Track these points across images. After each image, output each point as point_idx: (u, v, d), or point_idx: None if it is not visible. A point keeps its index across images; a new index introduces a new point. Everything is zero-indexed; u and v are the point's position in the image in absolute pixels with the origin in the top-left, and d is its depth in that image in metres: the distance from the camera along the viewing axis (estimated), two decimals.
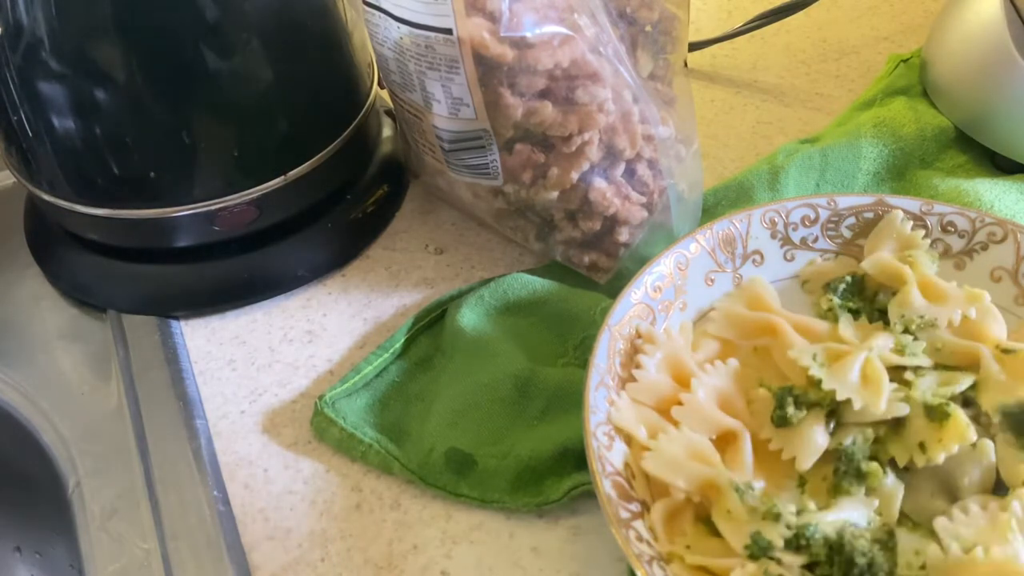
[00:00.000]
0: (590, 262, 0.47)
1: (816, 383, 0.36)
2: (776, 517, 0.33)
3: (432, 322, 0.47)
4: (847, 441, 0.35)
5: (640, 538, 0.33)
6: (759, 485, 0.35)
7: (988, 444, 0.35)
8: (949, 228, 0.43)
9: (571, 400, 0.41)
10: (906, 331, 0.39)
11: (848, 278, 0.42)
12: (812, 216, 0.44)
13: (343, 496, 0.40)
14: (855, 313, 0.41)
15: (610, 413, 0.36)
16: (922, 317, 0.39)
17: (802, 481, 0.36)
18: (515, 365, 0.42)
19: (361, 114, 0.51)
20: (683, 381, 0.38)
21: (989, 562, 0.30)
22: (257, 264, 0.49)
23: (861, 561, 0.32)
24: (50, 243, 0.52)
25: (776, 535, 0.32)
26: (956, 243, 0.42)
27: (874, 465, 0.35)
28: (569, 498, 0.38)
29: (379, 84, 0.53)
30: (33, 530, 0.55)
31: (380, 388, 0.44)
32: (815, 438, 0.35)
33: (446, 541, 0.38)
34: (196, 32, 0.41)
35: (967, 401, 0.37)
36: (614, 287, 0.42)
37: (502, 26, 0.39)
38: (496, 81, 0.40)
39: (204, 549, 0.38)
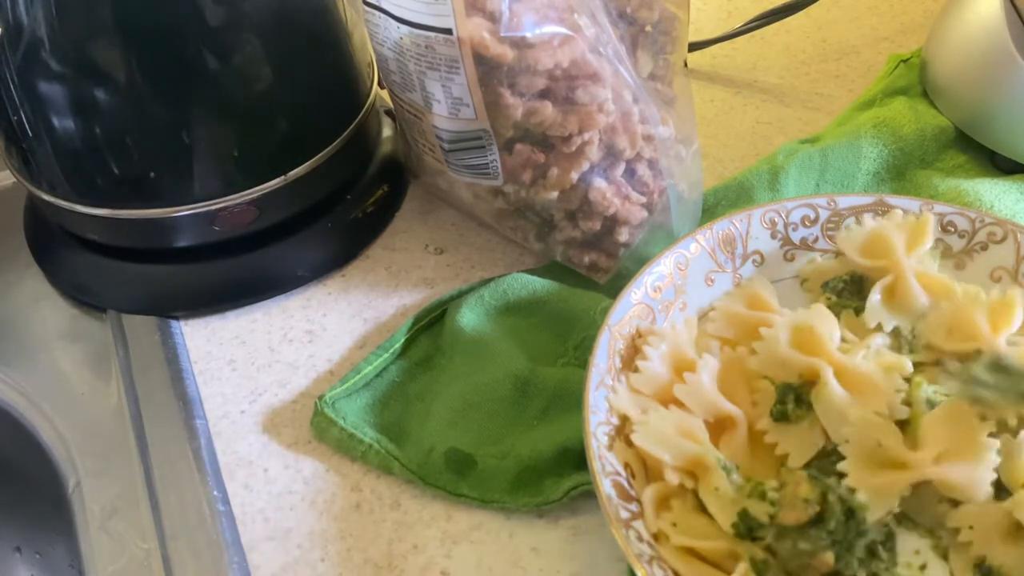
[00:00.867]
0: (590, 262, 0.47)
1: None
2: (762, 495, 0.33)
3: (432, 322, 0.47)
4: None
5: (640, 538, 0.33)
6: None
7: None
8: (949, 228, 0.43)
9: (571, 400, 0.41)
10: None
11: (846, 276, 0.42)
12: (812, 216, 0.44)
13: (343, 496, 0.40)
14: (855, 311, 0.41)
15: (608, 397, 0.36)
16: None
17: (782, 483, 0.36)
18: (515, 365, 0.42)
19: (361, 114, 0.51)
20: (683, 374, 0.38)
21: None
22: (257, 264, 0.49)
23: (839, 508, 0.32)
24: (50, 243, 0.52)
25: (762, 512, 0.33)
26: (956, 243, 0.42)
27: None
28: (569, 498, 0.38)
29: (379, 84, 0.53)
30: (33, 530, 0.55)
31: (380, 388, 0.44)
32: (810, 437, 0.35)
33: (446, 541, 0.38)
34: (196, 32, 0.41)
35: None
36: (614, 287, 0.42)
37: (502, 26, 0.39)
38: (496, 81, 0.40)
39: (204, 549, 0.38)
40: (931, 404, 0.35)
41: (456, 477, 0.40)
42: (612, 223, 0.45)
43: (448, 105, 0.42)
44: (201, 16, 0.41)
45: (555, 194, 0.44)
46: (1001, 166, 0.52)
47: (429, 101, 0.43)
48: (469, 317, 0.45)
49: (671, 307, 0.42)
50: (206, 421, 0.44)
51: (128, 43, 0.41)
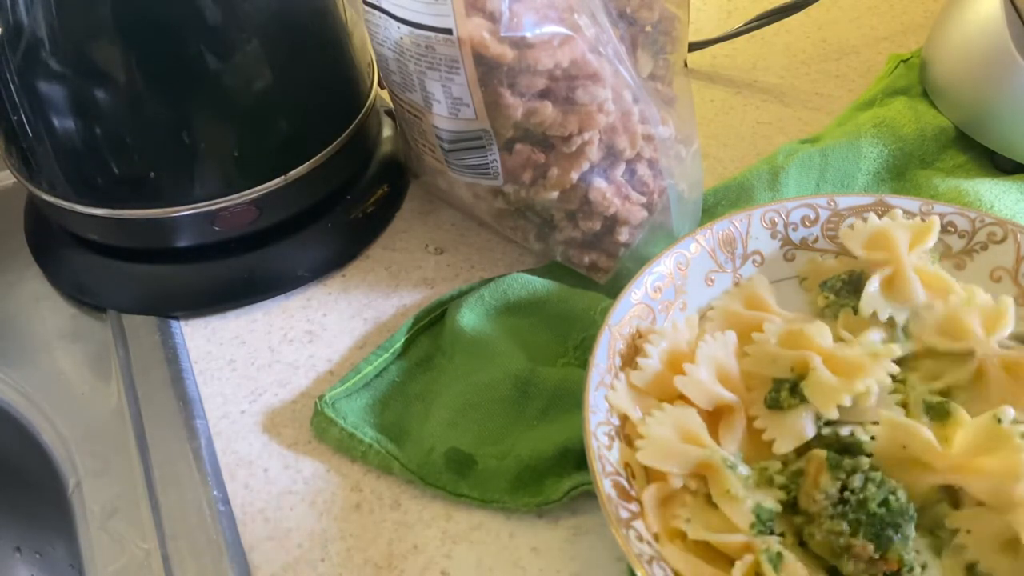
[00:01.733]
0: (590, 262, 0.47)
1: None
2: (769, 481, 0.34)
3: (432, 322, 0.47)
4: (856, 483, 0.33)
5: (640, 538, 0.33)
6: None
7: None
8: (949, 228, 0.43)
9: (571, 400, 0.41)
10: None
11: (845, 275, 0.42)
12: (812, 216, 0.44)
13: (343, 496, 0.40)
14: (853, 310, 0.41)
15: (607, 395, 0.36)
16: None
17: (783, 461, 0.36)
18: (515, 365, 0.42)
19: (361, 114, 0.51)
20: (681, 371, 0.38)
21: None
22: (257, 264, 0.49)
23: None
24: (50, 243, 0.52)
25: (774, 501, 0.33)
26: (956, 243, 0.42)
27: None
28: (569, 498, 0.38)
29: (379, 84, 0.53)
30: (33, 530, 0.55)
31: (380, 388, 0.44)
32: (799, 426, 0.35)
33: (446, 541, 0.38)
34: (196, 32, 0.41)
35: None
36: (614, 287, 0.42)
37: (502, 26, 0.39)
38: (496, 81, 0.40)
39: (204, 549, 0.38)
40: (928, 406, 0.35)
41: (456, 477, 0.40)
42: (612, 223, 0.45)
43: (448, 105, 0.42)
44: (201, 16, 0.41)
45: (555, 194, 0.44)
46: (1001, 166, 0.52)
47: (429, 101, 0.43)
48: (469, 317, 0.45)
49: (671, 307, 0.42)
50: (206, 421, 0.44)
51: (128, 43, 0.41)
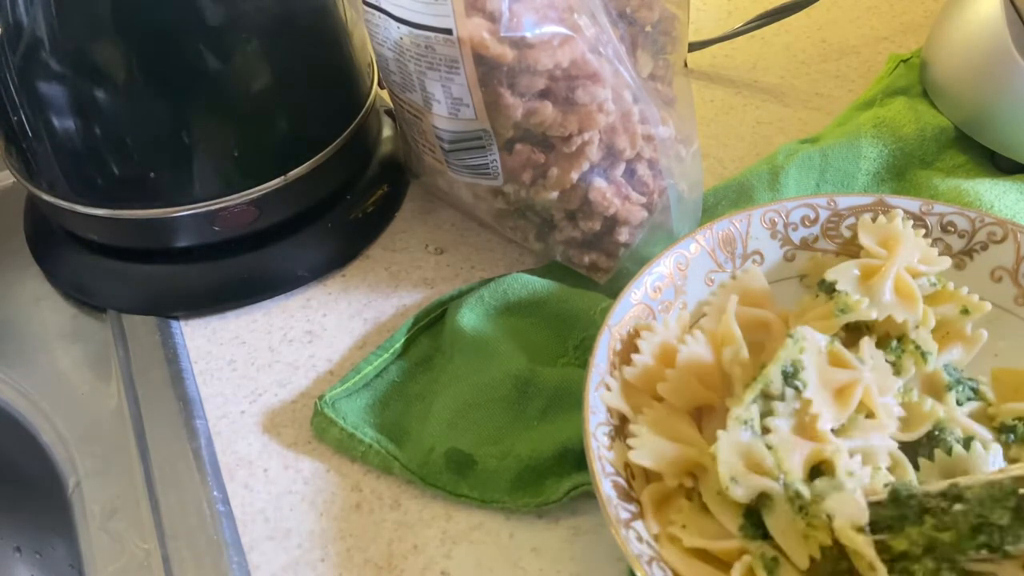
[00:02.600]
0: (590, 262, 0.47)
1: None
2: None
3: (432, 322, 0.47)
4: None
5: (640, 538, 0.33)
6: None
7: (999, 447, 0.35)
8: (949, 228, 0.43)
9: (571, 400, 0.41)
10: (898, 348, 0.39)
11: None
12: (812, 216, 0.44)
13: (343, 496, 0.40)
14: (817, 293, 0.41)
15: (601, 394, 0.36)
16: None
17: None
18: (515, 365, 0.42)
19: (361, 114, 0.51)
20: (673, 365, 0.38)
21: None
22: (257, 264, 0.49)
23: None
24: (50, 243, 0.52)
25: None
26: (956, 243, 0.42)
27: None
28: (569, 498, 0.38)
29: (379, 84, 0.53)
30: (33, 530, 0.55)
31: (380, 388, 0.44)
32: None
33: (446, 541, 0.38)
34: (196, 32, 0.41)
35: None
36: (614, 287, 0.42)
37: (502, 26, 0.39)
38: (496, 81, 0.40)
39: (204, 549, 0.38)
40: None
41: (456, 477, 0.40)
42: (612, 223, 0.45)
43: (448, 105, 0.42)
44: (201, 16, 0.41)
45: (555, 194, 0.44)
46: (1001, 166, 0.52)
47: (429, 101, 0.43)
48: (469, 317, 0.45)
49: (671, 307, 0.41)
50: (206, 421, 0.44)
51: (128, 43, 0.41)
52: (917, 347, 0.38)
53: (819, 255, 0.44)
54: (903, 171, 0.52)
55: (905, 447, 0.35)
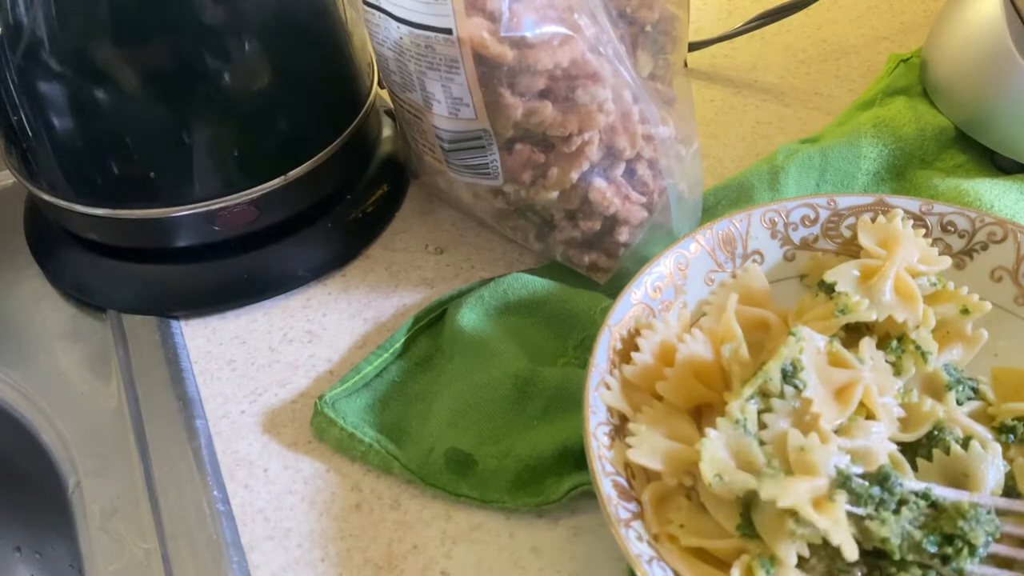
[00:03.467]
0: (590, 262, 0.47)
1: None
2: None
3: (432, 322, 0.47)
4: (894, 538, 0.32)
5: (640, 538, 0.33)
6: None
7: (997, 447, 0.35)
8: (949, 228, 0.43)
9: (571, 400, 0.41)
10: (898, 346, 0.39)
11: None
12: (812, 216, 0.44)
13: (343, 496, 0.40)
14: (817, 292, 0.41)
15: (601, 393, 0.36)
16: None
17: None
18: (515, 365, 0.42)
19: (361, 114, 0.51)
20: (672, 364, 0.38)
21: None
22: (257, 264, 0.49)
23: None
24: (50, 243, 0.52)
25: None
26: (956, 243, 0.42)
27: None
28: (569, 498, 0.38)
29: (379, 84, 0.53)
30: (33, 530, 0.55)
31: (380, 388, 0.44)
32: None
33: (446, 541, 0.38)
34: (196, 32, 0.41)
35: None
36: (614, 287, 0.42)
37: (502, 26, 0.39)
38: (496, 81, 0.40)
39: (204, 549, 0.38)
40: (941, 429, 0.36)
41: (456, 477, 0.40)
42: (612, 223, 0.45)
43: (448, 105, 0.42)
44: (201, 16, 0.41)
45: (555, 194, 0.44)
46: (1001, 166, 0.52)
47: (429, 101, 0.43)
48: (469, 317, 0.45)
49: (671, 307, 0.41)
50: (206, 421, 0.44)
51: (128, 43, 0.41)
52: (917, 347, 0.38)
53: (819, 255, 0.44)
54: (903, 171, 0.52)
55: (905, 447, 0.36)
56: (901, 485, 0.32)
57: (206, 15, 0.41)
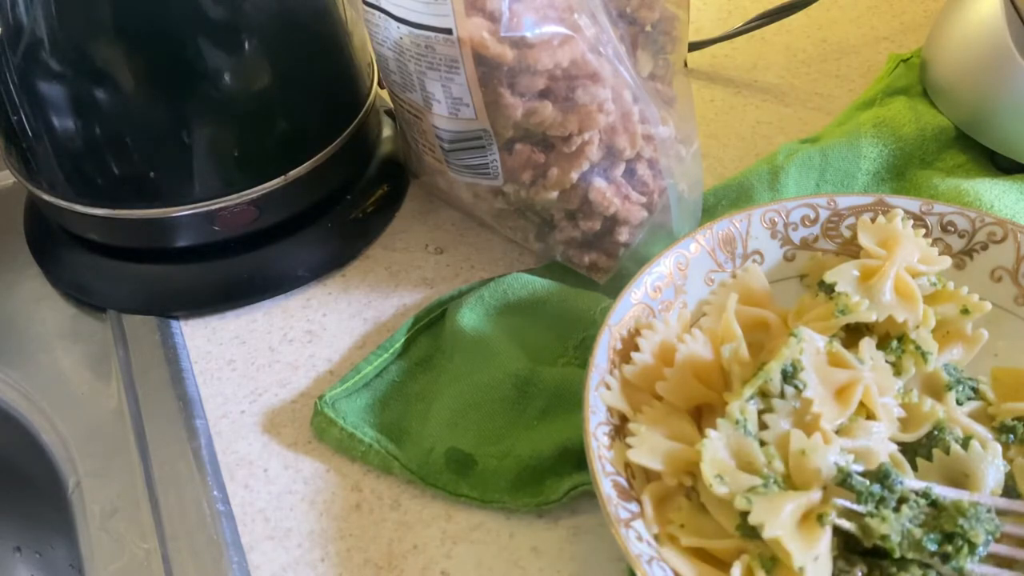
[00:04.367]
0: (590, 262, 0.47)
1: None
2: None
3: (432, 322, 0.47)
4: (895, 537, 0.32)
5: (640, 538, 0.33)
6: None
7: (997, 447, 0.35)
8: (949, 228, 0.43)
9: (571, 400, 0.41)
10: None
11: None
12: (812, 216, 0.44)
13: (343, 496, 0.40)
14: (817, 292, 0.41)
15: (601, 393, 0.36)
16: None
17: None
18: (515, 365, 0.42)
19: (361, 114, 0.51)
20: (672, 364, 0.38)
21: None
22: (257, 264, 0.49)
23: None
24: (50, 243, 0.52)
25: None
26: (956, 243, 0.42)
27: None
28: (569, 498, 0.38)
29: (379, 84, 0.53)
30: (33, 530, 0.55)
31: (380, 388, 0.44)
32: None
33: (446, 541, 0.38)
34: (196, 32, 0.41)
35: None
36: (614, 287, 0.42)
37: (502, 26, 0.39)
38: (496, 81, 0.40)
39: (204, 549, 0.38)
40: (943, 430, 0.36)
41: (456, 477, 0.40)
42: (612, 223, 0.45)
43: (448, 105, 0.42)
44: (201, 16, 0.41)
45: (555, 194, 0.44)
46: (1001, 166, 0.52)
47: (429, 101, 0.43)
48: (469, 317, 0.45)
49: (671, 307, 0.41)
50: (206, 421, 0.44)
51: (128, 43, 0.41)
52: (917, 347, 0.38)
53: (819, 255, 0.44)
54: (903, 171, 0.52)
55: (905, 447, 0.36)
56: (901, 483, 0.32)
57: (206, 15, 0.41)
